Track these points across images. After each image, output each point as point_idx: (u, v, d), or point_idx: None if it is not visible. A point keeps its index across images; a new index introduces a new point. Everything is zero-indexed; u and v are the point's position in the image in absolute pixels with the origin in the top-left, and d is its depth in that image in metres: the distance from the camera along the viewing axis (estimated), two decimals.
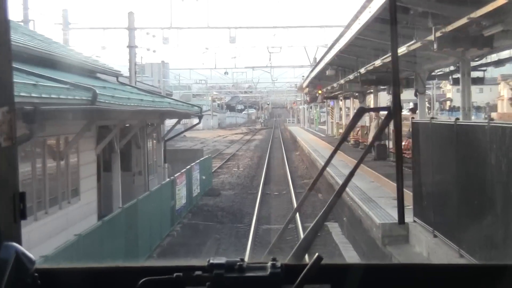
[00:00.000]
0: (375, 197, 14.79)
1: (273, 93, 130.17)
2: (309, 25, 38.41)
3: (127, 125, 16.86)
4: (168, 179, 17.49)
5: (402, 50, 14.01)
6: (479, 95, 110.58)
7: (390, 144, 26.00)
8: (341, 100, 46.24)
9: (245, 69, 73.82)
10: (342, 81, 27.06)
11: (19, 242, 1.70)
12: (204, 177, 26.63)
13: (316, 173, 23.27)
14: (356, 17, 14.32)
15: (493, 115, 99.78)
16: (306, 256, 1.92)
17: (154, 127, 19.76)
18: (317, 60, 37.03)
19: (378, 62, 17.71)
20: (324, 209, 2.01)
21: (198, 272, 1.68)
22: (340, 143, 2.32)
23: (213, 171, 35.72)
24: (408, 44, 13.78)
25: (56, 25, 36.95)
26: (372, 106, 30.66)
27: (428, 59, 18.33)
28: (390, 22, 1.96)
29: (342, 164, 24.31)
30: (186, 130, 23.54)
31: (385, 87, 24.17)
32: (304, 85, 47.78)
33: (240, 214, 21.86)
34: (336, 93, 39.68)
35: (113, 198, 15.86)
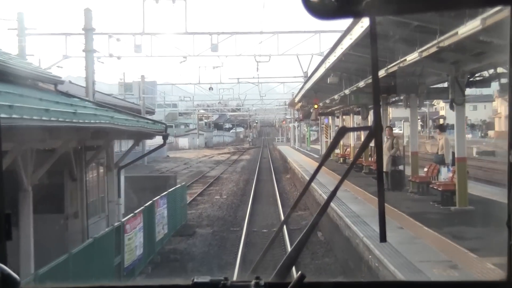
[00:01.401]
0: (418, 261, 9.51)
1: (261, 111, 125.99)
2: (302, 30, 33.23)
3: (51, 148, 11.56)
4: (109, 228, 12.07)
5: (467, 29, 8.88)
6: (473, 113, 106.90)
7: (408, 171, 20.81)
8: (337, 117, 41.04)
9: (231, 85, 68.65)
10: (347, 91, 21.86)
11: (5, 263, 1.73)
12: (181, 206, 21.44)
13: (313, 204, 18.72)
14: None
15: (490, 133, 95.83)
16: (294, 271, 1.96)
17: (97, 151, 14.35)
18: (312, 71, 31.91)
19: (413, 57, 12.41)
20: (307, 227, 2.01)
21: None
22: (323, 161, 2.35)
23: (192, 199, 30.52)
24: (474, 22, 8.47)
25: (11, 31, 31.82)
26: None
27: (477, 55, 13.14)
28: (371, 42, 1.91)
29: (349, 197, 19.08)
30: (145, 154, 18.21)
31: (403, 97, 19.02)
32: (297, 99, 42.59)
33: (218, 265, 16.53)
34: (334, 108, 34.44)
35: (21, 259, 10.52)
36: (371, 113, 36.34)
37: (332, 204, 17.45)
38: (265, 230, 21.98)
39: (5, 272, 1.63)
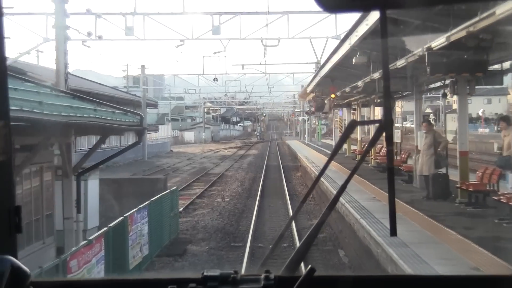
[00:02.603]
0: None
1: (269, 104, 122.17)
2: (315, 10, 28.95)
3: None
4: (37, 271, 7.78)
5: None
6: (487, 106, 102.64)
7: (454, 175, 16.53)
8: (353, 109, 36.70)
9: (238, 75, 64.47)
10: (376, 75, 17.49)
11: (15, 255, 1.70)
12: (170, 216, 17.36)
13: (332, 214, 15.37)
14: None
15: None
16: (303, 266, 1.89)
17: (31, 153, 10.00)
18: (326, 57, 27.67)
19: (507, 8, 8.09)
20: (316, 222, 1.96)
21: (192, 285, 1.70)
22: (333, 155, 2.26)
23: (189, 202, 26.43)
24: None
25: None
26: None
27: None
28: (381, 36, 1.85)
29: (382, 210, 14.82)
30: (113, 156, 14.02)
31: (449, 82, 14.80)
32: (309, 89, 38.25)
33: None
34: (352, 98, 30.12)
35: None
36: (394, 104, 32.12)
37: (362, 220, 13.26)
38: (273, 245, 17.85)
39: (15, 265, 1.60)
